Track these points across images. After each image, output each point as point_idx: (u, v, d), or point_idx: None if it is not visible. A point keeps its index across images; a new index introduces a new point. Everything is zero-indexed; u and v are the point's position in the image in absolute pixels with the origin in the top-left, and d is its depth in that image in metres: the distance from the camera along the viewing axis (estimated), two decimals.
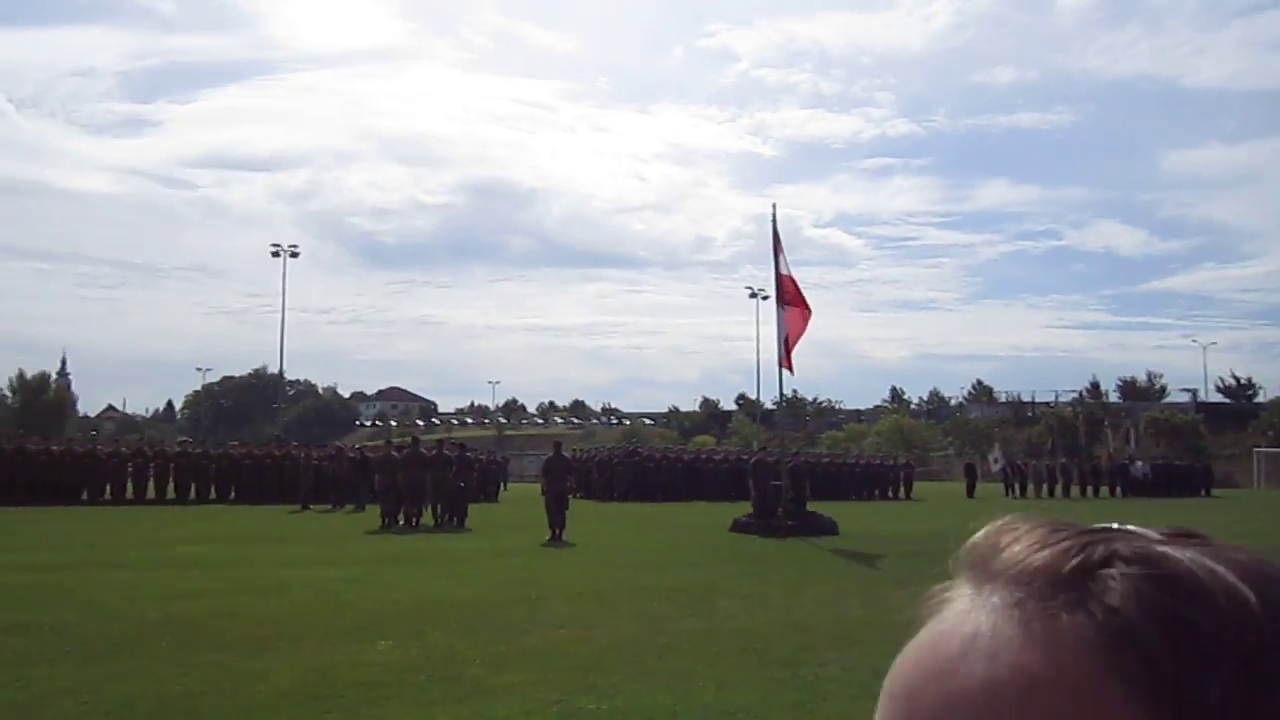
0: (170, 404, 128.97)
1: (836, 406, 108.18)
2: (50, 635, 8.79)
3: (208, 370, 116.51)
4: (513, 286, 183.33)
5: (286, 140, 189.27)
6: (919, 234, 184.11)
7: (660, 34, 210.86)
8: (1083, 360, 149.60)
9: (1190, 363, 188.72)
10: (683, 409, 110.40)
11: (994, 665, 0.46)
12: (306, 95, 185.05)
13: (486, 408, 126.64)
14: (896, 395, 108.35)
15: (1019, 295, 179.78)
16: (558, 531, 19.91)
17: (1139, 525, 0.50)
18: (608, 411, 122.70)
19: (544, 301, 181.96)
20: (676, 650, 8.44)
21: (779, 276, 21.46)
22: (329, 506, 29.92)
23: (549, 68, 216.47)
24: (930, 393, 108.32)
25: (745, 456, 36.88)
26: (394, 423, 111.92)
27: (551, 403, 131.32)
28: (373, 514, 24.52)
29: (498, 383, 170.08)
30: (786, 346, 21.02)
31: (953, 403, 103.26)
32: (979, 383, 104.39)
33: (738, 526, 22.05)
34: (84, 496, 31.86)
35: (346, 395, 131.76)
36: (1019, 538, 0.51)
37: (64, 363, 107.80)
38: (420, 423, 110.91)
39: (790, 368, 21.32)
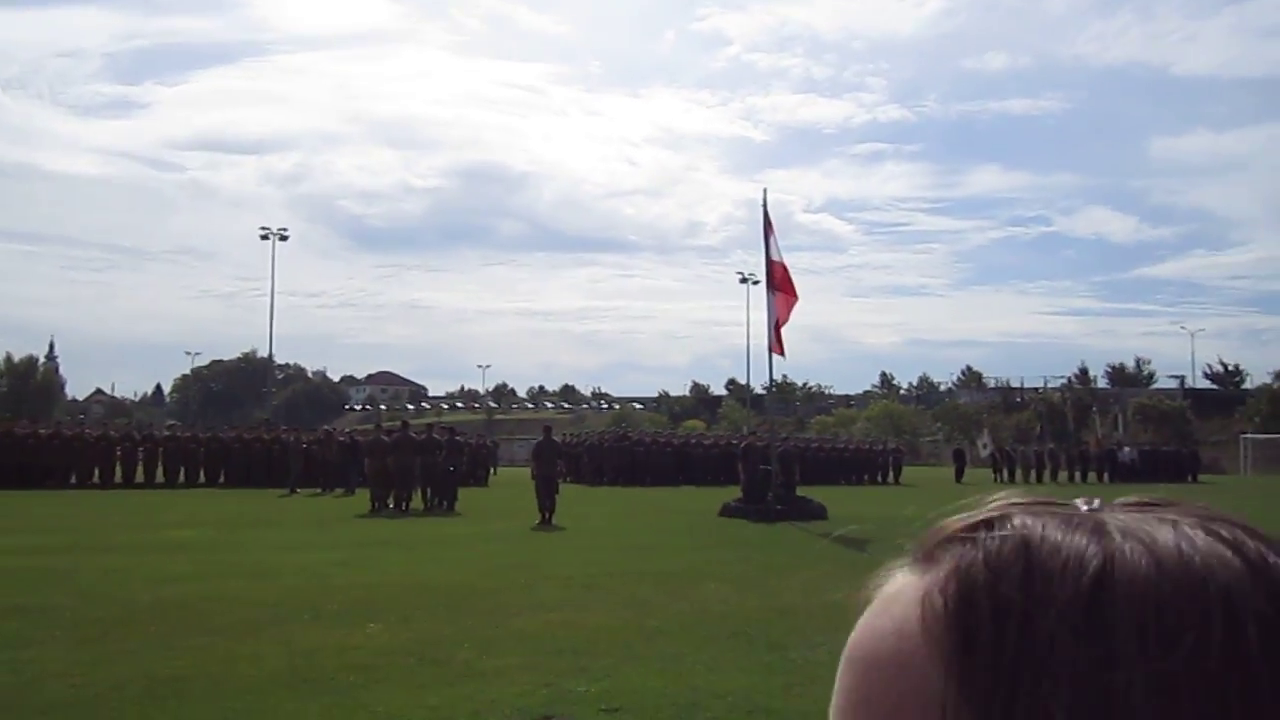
0: (159, 388, 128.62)
1: (826, 392, 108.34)
2: (41, 618, 8.79)
3: (197, 354, 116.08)
4: (503, 271, 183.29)
5: (276, 123, 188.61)
6: (910, 220, 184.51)
7: (652, 17, 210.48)
8: (1072, 346, 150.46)
9: (1178, 349, 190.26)
10: (673, 394, 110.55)
11: (864, 629, 0.50)
12: (296, 77, 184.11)
13: (476, 392, 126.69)
14: (886, 381, 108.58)
15: (1009, 281, 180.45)
16: (547, 516, 19.94)
17: (1134, 497, 0.50)
18: (598, 396, 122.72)
19: (534, 286, 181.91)
20: (666, 634, 8.48)
21: (769, 261, 21.46)
22: (318, 490, 29.93)
23: (540, 51, 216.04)
24: (920, 378, 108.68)
25: (735, 441, 36.95)
26: (384, 407, 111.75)
27: (541, 387, 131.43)
28: (362, 498, 24.53)
29: (488, 367, 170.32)
30: (776, 331, 21.05)
31: (942, 388, 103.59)
32: (968, 368, 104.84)
33: (727, 511, 22.11)
34: (72, 480, 31.82)
35: (336, 379, 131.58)
36: (975, 507, 0.51)
37: (52, 346, 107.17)
38: (410, 407, 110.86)
39: (782, 352, 21.35)
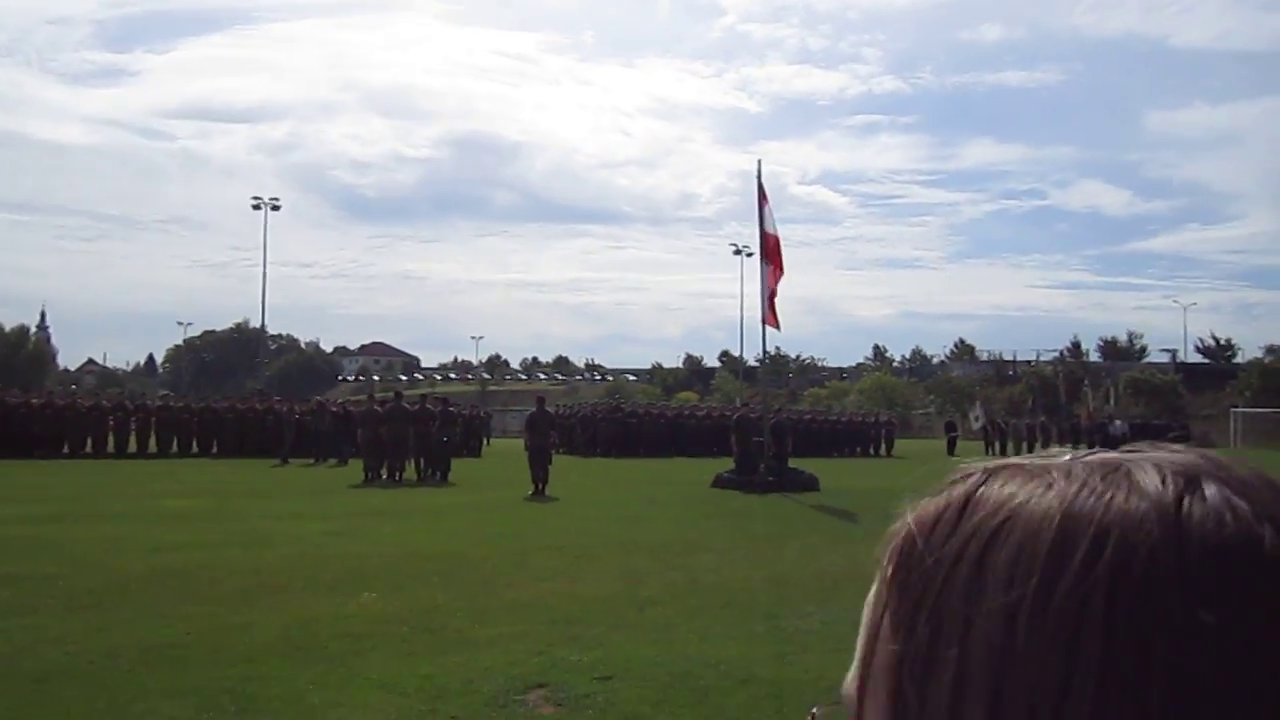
0: (151, 358, 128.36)
1: (819, 364, 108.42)
2: (34, 586, 8.81)
3: (189, 324, 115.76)
4: (496, 242, 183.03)
5: (267, 91, 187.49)
6: (904, 192, 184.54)
7: None
8: (1064, 320, 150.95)
9: (1171, 323, 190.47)
10: (666, 365, 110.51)
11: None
12: (287, 46, 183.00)
13: (470, 363, 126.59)
14: (879, 353, 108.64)
15: (1002, 254, 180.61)
16: (540, 486, 19.99)
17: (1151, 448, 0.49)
18: (591, 367, 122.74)
19: (528, 257, 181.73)
20: (658, 603, 8.52)
21: (763, 233, 21.42)
22: (311, 461, 29.94)
23: (534, 20, 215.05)
24: (913, 351, 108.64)
25: (728, 413, 37.01)
26: (377, 378, 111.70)
27: (535, 358, 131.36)
28: (355, 468, 24.57)
29: (481, 338, 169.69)
30: (770, 303, 21.04)
31: (935, 361, 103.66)
32: (961, 341, 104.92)
33: (720, 482, 22.19)
34: (65, 450, 31.77)
35: (329, 350, 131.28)
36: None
37: (43, 316, 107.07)
38: (403, 378, 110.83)
39: (777, 324, 21.35)
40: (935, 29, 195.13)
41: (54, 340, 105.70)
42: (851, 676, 0.53)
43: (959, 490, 0.49)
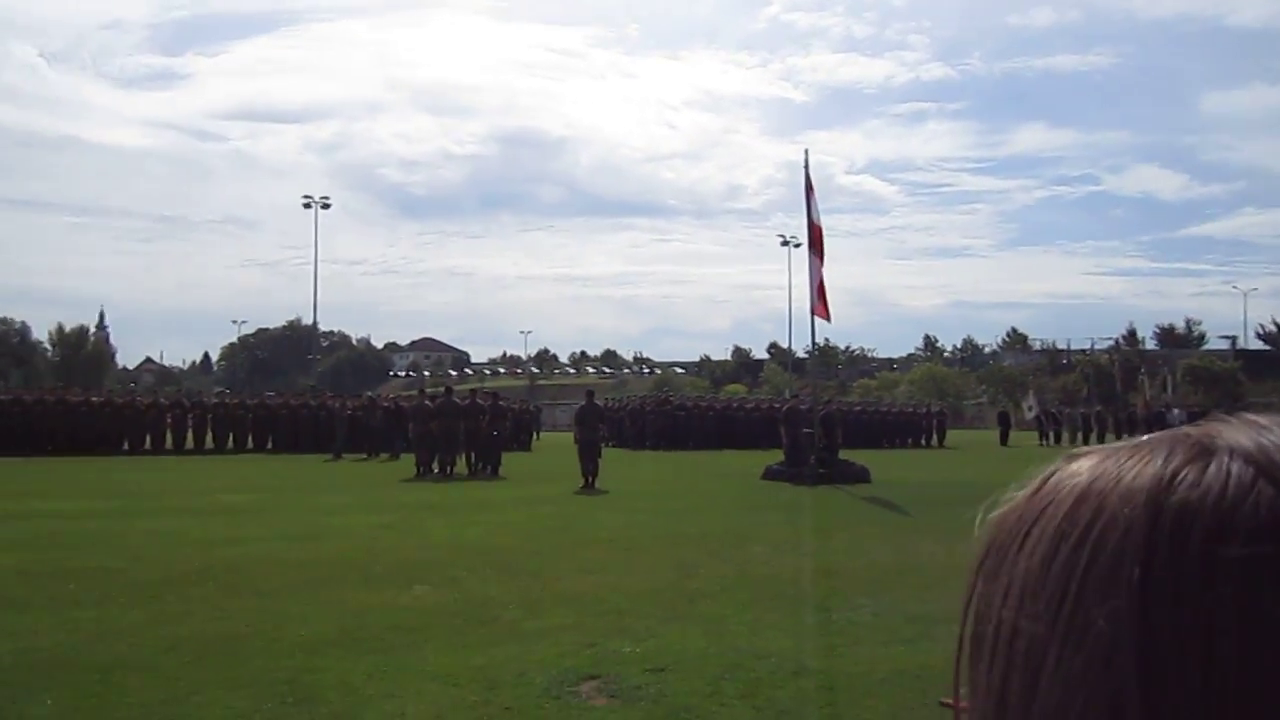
0: (207, 356, 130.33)
1: (869, 355, 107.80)
2: (98, 580, 9.00)
3: (243, 322, 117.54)
4: (543, 236, 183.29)
5: (315, 91, 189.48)
6: (953, 180, 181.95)
7: None
8: (1119, 307, 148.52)
9: (1230, 309, 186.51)
10: (714, 358, 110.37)
11: None
12: (334, 45, 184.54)
13: (518, 358, 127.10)
14: (930, 343, 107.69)
15: (1055, 242, 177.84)
16: (590, 479, 20.05)
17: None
18: (639, 361, 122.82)
19: (574, 251, 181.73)
20: (708, 595, 8.52)
21: (811, 224, 21.29)
22: (364, 455, 30.28)
23: (578, 14, 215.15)
24: (964, 340, 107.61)
25: (777, 405, 36.91)
26: (427, 373, 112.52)
27: (583, 352, 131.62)
28: (407, 463, 24.79)
29: (529, 333, 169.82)
30: (819, 293, 20.91)
31: (986, 350, 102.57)
32: (1013, 330, 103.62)
33: (769, 474, 22.12)
34: (125, 446, 32.42)
35: (380, 346, 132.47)
36: None
37: (102, 316, 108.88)
38: (453, 373, 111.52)
39: (827, 315, 21.21)
40: (983, 14, 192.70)
41: (113, 340, 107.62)
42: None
43: (1040, 474, 0.50)
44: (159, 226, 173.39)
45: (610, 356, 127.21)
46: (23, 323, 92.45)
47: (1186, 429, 0.48)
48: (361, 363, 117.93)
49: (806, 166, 21.72)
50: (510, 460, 25.47)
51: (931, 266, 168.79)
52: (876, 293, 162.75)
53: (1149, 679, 0.40)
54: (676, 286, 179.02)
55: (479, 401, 25.42)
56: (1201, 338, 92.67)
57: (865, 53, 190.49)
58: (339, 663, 6.27)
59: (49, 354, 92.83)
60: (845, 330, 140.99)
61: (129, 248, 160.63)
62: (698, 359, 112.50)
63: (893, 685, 5.82)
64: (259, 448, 34.28)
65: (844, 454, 23.50)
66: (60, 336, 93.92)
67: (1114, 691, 0.41)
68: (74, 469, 23.96)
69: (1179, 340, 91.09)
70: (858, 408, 46.58)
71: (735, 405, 45.66)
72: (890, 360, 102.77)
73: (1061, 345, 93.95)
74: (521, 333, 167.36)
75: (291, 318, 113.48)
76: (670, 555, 10.84)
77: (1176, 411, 51.74)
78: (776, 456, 23.74)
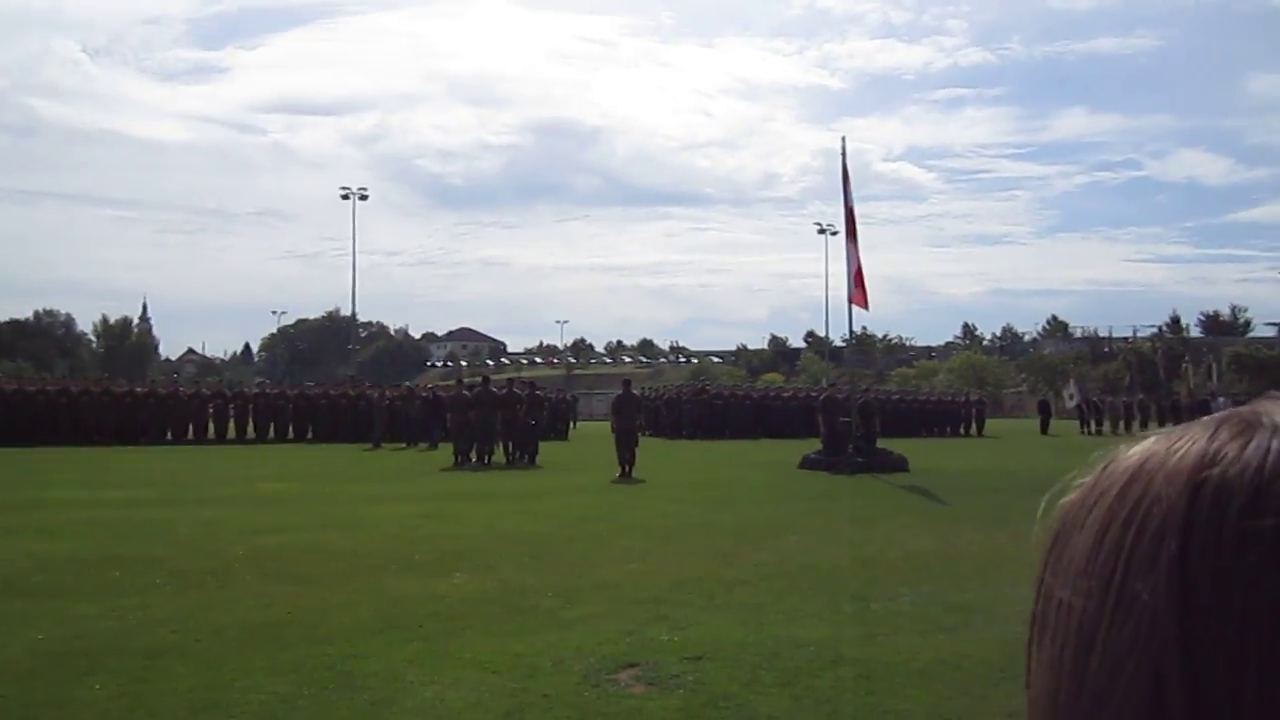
0: (247, 346, 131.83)
1: (907, 343, 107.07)
2: (142, 568, 9.14)
3: (283, 313, 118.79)
4: (579, 226, 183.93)
5: (353, 84, 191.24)
6: (992, 166, 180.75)
7: None
8: (1163, 294, 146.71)
9: (1276, 296, 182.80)
10: (751, 347, 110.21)
11: None
12: (372, 38, 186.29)
13: (555, 347, 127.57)
14: (969, 331, 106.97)
15: (1096, 228, 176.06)
16: (627, 469, 20.08)
17: None
18: (676, 350, 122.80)
19: (610, 241, 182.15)
20: (746, 584, 8.51)
21: (849, 211, 21.17)
22: (402, 445, 30.51)
23: (612, 3, 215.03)
24: (1003, 329, 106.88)
25: (814, 394, 36.74)
26: (464, 363, 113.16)
27: (619, 341, 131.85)
28: (445, 452, 24.95)
29: (566, 322, 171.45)
30: (857, 280, 20.78)
31: (1026, 339, 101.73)
32: (1054, 318, 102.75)
33: (807, 464, 22.05)
34: (168, 436, 32.90)
35: (417, 336, 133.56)
36: None
37: (145, 307, 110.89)
38: (490, 362, 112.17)
39: (865, 304, 21.09)
40: None
41: (155, 331, 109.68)
42: None
43: (1102, 459, 0.51)
44: (200, 219, 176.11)
45: (647, 346, 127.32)
46: (68, 314, 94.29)
47: (1237, 409, 0.49)
48: (399, 353, 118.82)
49: (844, 154, 21.60)
50: (547, 449, 25.56)
51: (970, 254, 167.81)
52: (915, 281, 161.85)
53: (1189, 649, 0.41)
54: (713, 275, 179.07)
55: (516, 391, 25.49)
56: (1247, 325, 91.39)
57: (903, 38, 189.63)
58: (380, 649, 6.33)
59: (94, 345, 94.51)
60: (883, 319, 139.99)
61: (171, 240, 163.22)
62: (734, 348, 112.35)
63: (932, 675, 5.79)
64: (299, 437, 34.62)
65: (882, 443, 23.37)
66: (105, 328, 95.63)
67: (1156, 662, 0.42)
68: (118, 459, 24.34)
69: (1224, 327, 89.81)
70: (896, 396, 46.28)
71: (772, 394, 45.54)
72: (929, 349, 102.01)
73: (1103, 333, 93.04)
74: (558, 322, 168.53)
75: (330, 309, 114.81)
76: (708, 544, 10.85)
77: (1222, 399, 51.00)
78: (814, 445, 23.65)
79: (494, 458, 23.87)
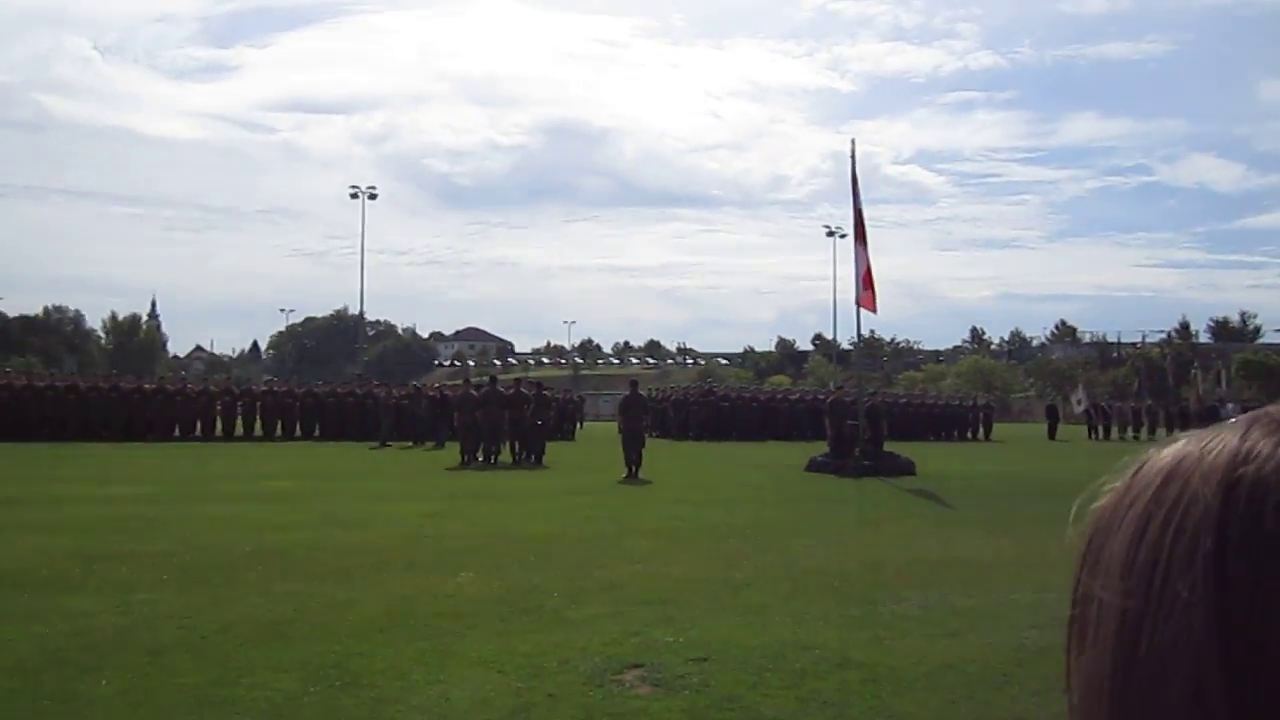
0: (255, 344, 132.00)
1: (915, 347, 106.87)
2: (149, 564, 9.15)
3: (290, 311, 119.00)
4: (587, 227, 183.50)
5: (363, 83, 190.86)
6: (1002, 170, 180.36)
7: None
8: (1172, 300, 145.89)
9: None
10: (758, 349, 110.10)
11: None
12: (382, 37, 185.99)
13: (562, 347, 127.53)
14: (977, 335, 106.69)
15: (1106, 233, 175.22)
16: (634, 469, 20.08)
17: None
18: (683, 351, 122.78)
19: (618, 242, 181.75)
20: (753, 586, 8.50)
21: (858, 214, 21.14)
22: (409, 444, 30.54)
23: (622, 4, 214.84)
24: (1011, 333, 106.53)
25: (821, 397, 36.69)
26: (472, 362, 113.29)
27: (627, 343, 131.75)
28: (452, 451, 24.97)
29: (573, 323, 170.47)
30: (866, 282, 20.75)
31: (1035, 343, 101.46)
32: (1062, 323, 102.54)
33: (814, 466, 22.01)
34: (175, 433, 32.93)
35: (425, 335, 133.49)
36: None
37: (154, 304, 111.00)
38: (497, 362, 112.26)
39: (873, 307, 21.05)
40: (1034, 1, 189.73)
41: (164, 328, 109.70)
42: None
43: (1134, 463, 0.52)
44: (209, 217, 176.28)
45: (654, 347, 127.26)
46: (77, 311, 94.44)
47: (1268, 408, 0.50)
48: (407, 352, 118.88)
49: (853, 157, 21.55)
50: (554, 450, 25.55)
51: (979, 258, 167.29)
52: (923, 284, 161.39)
53: (1228, 645, 0.42)
54: (721, 277, 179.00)
55: (523, 391, 25.50)
56: (1257, 331, 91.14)
57: (913, 41, 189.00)
58: (385, 647, 6.33)
59: (102, 342, 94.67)
60: (891, 322, 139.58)
61: (180, 238, 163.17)
62: (742, 350, 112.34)
63: (938, 678, 5.78)
64: (306, 435, 34.68)
65: (889, 446, 23.34)
66: (113, 325, 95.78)
67: (1198, 659, 0.43)
68: (127, 455, 24.39)
69: (1233, 334, 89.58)
70: (903, 400, 46.25)
71: (779, 396, 45.49)
72: (936, 352, 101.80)
73: (1112, 338, 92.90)
74: (565, 323, 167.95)
75: (338, 307, 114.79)
76: (714, 546, 10.84)
77: (1231, 405, 50.83)
78: (820, 448, 23.63)
79: (500, 457, 23.89)
